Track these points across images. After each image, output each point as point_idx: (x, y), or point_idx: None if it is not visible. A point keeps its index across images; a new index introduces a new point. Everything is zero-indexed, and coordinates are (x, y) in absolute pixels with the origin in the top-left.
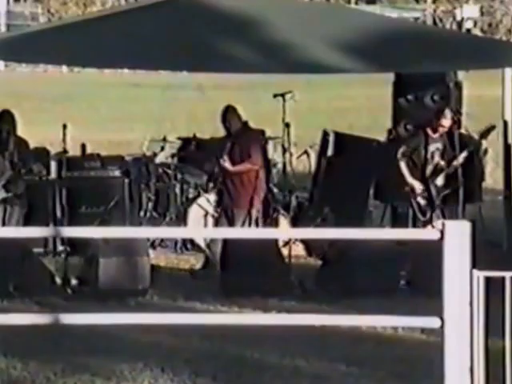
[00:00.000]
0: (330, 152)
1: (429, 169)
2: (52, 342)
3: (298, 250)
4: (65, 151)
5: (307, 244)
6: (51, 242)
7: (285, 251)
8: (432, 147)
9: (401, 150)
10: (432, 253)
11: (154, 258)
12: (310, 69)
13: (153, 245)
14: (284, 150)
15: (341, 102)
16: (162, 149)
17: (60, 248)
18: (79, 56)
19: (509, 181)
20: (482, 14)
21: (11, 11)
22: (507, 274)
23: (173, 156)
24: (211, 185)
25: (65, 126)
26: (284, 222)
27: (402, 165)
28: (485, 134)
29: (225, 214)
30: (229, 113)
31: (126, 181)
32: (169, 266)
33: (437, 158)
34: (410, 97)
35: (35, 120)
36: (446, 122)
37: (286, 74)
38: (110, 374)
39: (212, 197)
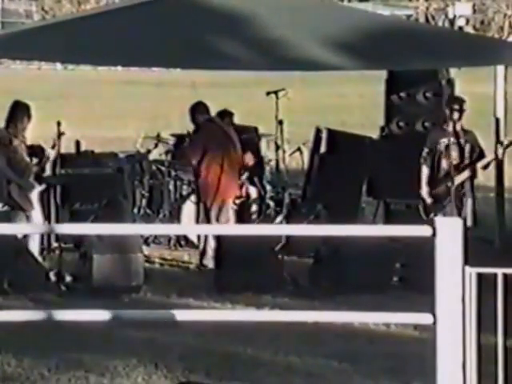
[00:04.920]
0: (322, 149)
1: (445, 163)
2: (46, 339)
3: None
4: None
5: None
6: (45, 238)
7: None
8: (447, 140)
9: (423, 154)
10: (425, 249)
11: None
12: (302, 66)
13: (146, 241)
14: (277, 147)
15: (334, 99)
16: (156, 146)
17: (54, 245)
18: (73, 53)
19: (501, 178)
20: (475, 11)
21: (5, 9)
22: (499, 271)
23: (166, 153)
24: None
25: (59, 124)
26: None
27: (424, 169)
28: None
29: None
30: (196, 109)
31: (120, 178)
32: (162, 262)
33: (454, 152)
34: (402, 94)
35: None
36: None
37: (278, 72)
38: (104, 370)
39: None
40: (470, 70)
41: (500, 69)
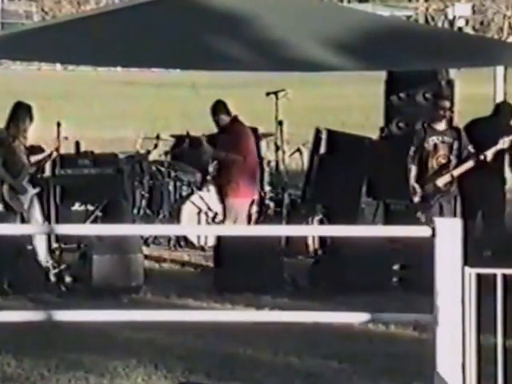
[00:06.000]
0: (322, 150)
1: (431, 162)
2: (46, 339)
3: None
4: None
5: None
6: (45, 239)
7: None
8: (436, 139)
9: (410, 153)
10: (424, 250)
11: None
12: (302, 67)
13: (146, 242)
14: (277, 148)
15: (333, 100)
16: (156, 146)
17: (54, 245)
18: (73, 54)
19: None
20: (474, 12)
21: (5, 9)
22: (498, 271)
23: (166, 153)
24: (209, 178)
25: (59, 124)
26: None
27: (412, 168)
28: None
29: (226, 205)
30: (217, 108)
31: (120, 178)
32: (162, 263)
33: (442, 151)
34: (402, 95)
35: None
36: (446, 103)
37: (279, 72)
38: (104, 370)
39: (205, 193)
40: (469, 70)
41: (499, 69)
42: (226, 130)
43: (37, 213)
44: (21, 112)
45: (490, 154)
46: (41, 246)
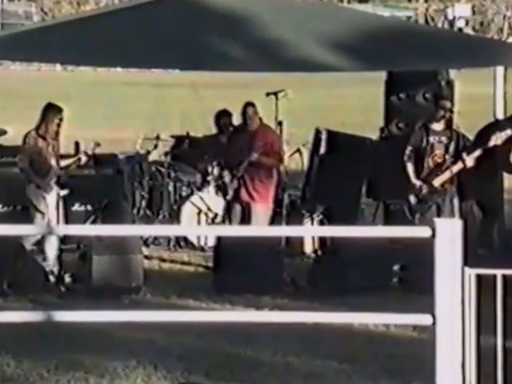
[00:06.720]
0: (322, 150)
1: (427, 162)
2: (45, 340)
3: None
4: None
5: None
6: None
7: None
8: (432, 139)
9: (406, 152)
10: (424, 250)
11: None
12: (302, 67)
13: (146, 242)
14: None
15: (333, 100)
16: (156, 147)
17: None
18: (73, 54)
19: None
20: (474, 12)
21: (5, 10)
22: (498, 272)
23: (166, 154)
24: (209, 179)
25: (58, 125)
26: None
27: (409, 166)
28: None
29: (244, 207)
30: (250, 109)
31: (119, 179)
32: (162, 263)
33: (438, 151)
34: (402, 95)
35: (29, 118)
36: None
37: (278, 73)
38: (104, 371)
39: (205, 193)
40: (469, 71)
41: (499, 70)
42: (258, 133)
43: (60, 215)
44: (50, 113)
45: (471, 158)
46: (51, 251)
